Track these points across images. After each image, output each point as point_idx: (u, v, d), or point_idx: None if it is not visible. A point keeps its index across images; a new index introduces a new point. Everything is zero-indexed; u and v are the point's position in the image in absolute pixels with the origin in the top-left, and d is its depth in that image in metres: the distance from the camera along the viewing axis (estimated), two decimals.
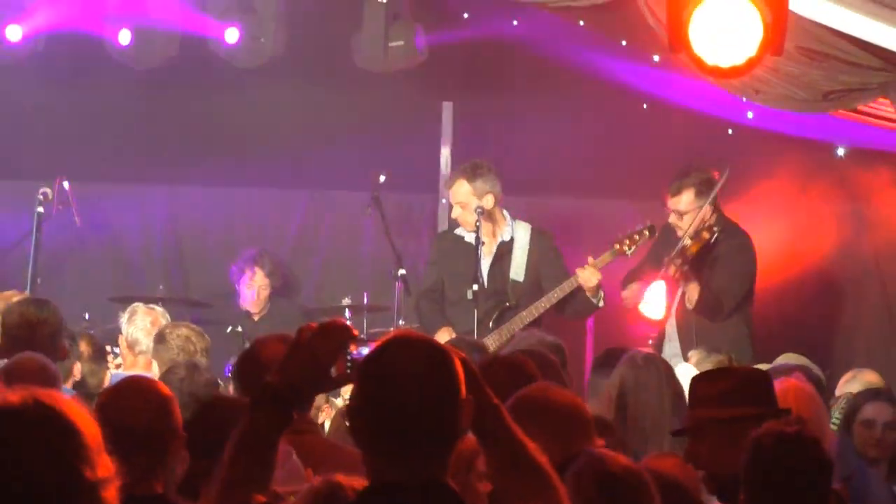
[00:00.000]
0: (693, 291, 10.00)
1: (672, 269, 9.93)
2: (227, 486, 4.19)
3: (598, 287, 10.10)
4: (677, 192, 10.11)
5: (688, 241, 9.94)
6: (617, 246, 10.07)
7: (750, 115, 10.79)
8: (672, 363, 7.74)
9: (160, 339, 8.73)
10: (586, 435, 5.45)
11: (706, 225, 9.94)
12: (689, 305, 10.02)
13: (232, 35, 11.35)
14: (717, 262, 10.11)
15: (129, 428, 4.58)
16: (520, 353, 6.75)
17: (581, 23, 10.90)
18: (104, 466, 3.70)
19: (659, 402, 6.94)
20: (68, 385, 8.16)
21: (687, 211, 10.04)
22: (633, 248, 10.08)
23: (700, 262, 10.06)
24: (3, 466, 3.66)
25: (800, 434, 4.89)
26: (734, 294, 10.14)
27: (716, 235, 9.94)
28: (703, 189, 10.06)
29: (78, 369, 8.43)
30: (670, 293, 10.07)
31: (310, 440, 4.97)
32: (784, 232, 12.08)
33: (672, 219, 10.15)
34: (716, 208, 10.08)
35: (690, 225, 10.00)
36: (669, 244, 10.13)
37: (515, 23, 11.43)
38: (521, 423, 4.23)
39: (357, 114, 12.17)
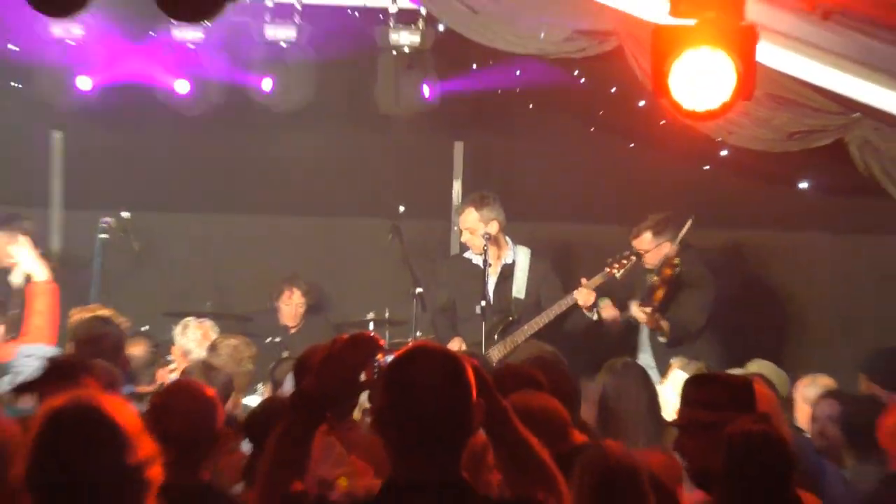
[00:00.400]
0: (665, 328, 10.16)
1: (644, 317, 10.16)
2: (270, 475, 4.24)
3: (594, 304, 10.18)
4: (637, 235, 10.38)
5: (655, 279, 10.09)
6: (607, 269, 10.17)
7: (724, 153, 10.83)
8: None
9: (213, 347, 8.78)
10: (563, 434, 5.59)
11: (668, 260, 10.01)
12: (663, 340, 10.19)
13: (267, 84, 11.43)
14: (681, 294, 10.29)
15: (178, 425, 4.60)
16: (529, 362, 6.81)
17: (576, 72, 10.95)
18: (145, 449, 3.77)
19: (636, 405, 6.98)
20: (151, 388, 8.22)
21: (648, 249, 10.22)
22: (622, 270, 10.19)
23: (669, 296, 10.20)
24: (54, 462, 3.80)
25: (766, 432, 4.93)
26: (698, 324, 10.35)
27: (678, 269, 10.02)
28: (660, 229, 10.31)
29: (164, 372, 8.46)
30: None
31: (352, 435, 5.00)
32: (753, 256, 12.13)
33: (639, 250, 10.27)
34: (680, 243, 10.12)
35: (657, 262, 10.22)
36: (637, 274, 10.31)
37: (518, 72, 11.48)
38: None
39: (379, 152, 12.24)
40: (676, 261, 10.04)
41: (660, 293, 10.13)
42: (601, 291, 10.35)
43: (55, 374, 5.86)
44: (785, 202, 11.76)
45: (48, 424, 3.86)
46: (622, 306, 10.53)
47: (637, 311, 10.19)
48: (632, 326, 10.63)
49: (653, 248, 10.23)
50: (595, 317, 10.32)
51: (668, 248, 10.13)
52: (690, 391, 5.60)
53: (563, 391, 5.93)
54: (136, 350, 8.44)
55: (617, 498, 4.72)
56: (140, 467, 3.85)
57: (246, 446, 5.85)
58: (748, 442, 4.81)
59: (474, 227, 10.34)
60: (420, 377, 4.01)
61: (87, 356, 6.78)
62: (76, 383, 5.12)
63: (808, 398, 7.99)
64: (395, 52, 11.21)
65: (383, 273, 11.72)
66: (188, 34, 11.14)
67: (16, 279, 10.85)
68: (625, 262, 10.19)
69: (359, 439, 5.28)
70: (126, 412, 3.92)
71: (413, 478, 4.00)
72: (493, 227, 10.31)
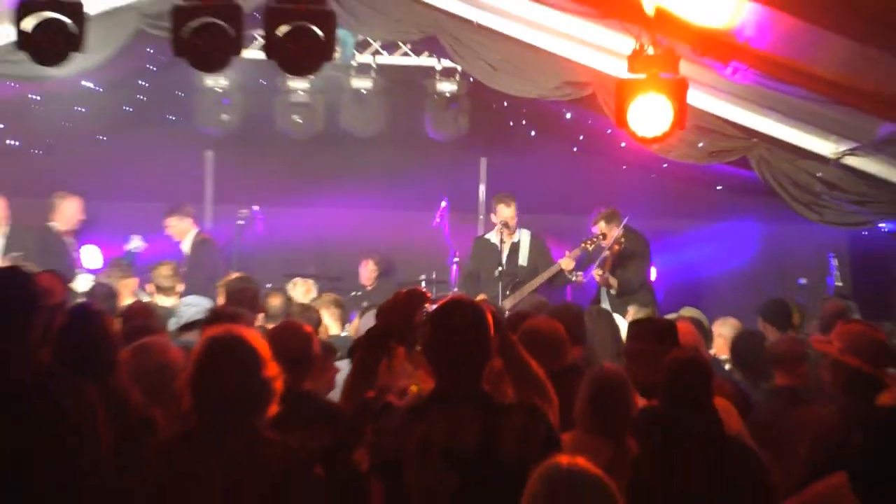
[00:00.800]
0: (613, 285, 10.11)
1: (598, 277, 10.17)
2: (352, 386, 4.26)
3: (573, 269, 10.18)
4: (596, 223, 10.28)
5: (607, 253, 10.07)
6: (583, 245, 10.14)
7: (665, 165, 10.77)
8: None
9: (319, 297, 8.90)
10: (560, 351, 5.62)
11: (617, 239, 9.98)
12: (613, 293, 10.18)
13: (356, 121, 11.52)
14: (625, 261, 10.23)
15: (286, 350, 4.60)
16: (542, 309, 6.91)
17: (564, 110, 10.92)
18: (272, 369, 3.82)
19: (605, 339, 6.96)
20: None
21: (603, 232, 10.12)
22: (593, 246, 10.17)
23: (616, 264, 10.15)
24: (211, 373, 3.88)
25: (694, 357, 4.91)
26: (637, 280, 10.28)
27: (623, 245, 9.98)
28: (611, 218, 10.22)
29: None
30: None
31: (419, 358, 5.00)
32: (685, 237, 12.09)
33: (600, 234, 10.23)
34: (623, 227, 10.08)
35: (610, 241, 10.12)
36: (600, 249, 10.23)
37: (524, 110, 11.45)
38: (525, 345, 4.32)
39: (428, 164, 12.16)
40: (622, 240, 10.02)
41: (609, 262, 10.12)
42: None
43: (213, 317, 5.93)
44: (707, 199, 11.69)
45: (208, 347, 3.91)
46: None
47: (595, 274, 10.19)
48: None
49: (606, 231, 10.18)
50: (574, 279, 10.34)
51: (616, 231, 10.11)
52: (630, 330, 5.72)
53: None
54: (276, 301, 8.45)
55: (615, 399, 4.82)
56: (269, 380, 3.90)
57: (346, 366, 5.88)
58: (682, 364, 4.81)
59: (510, 216, 10.41)
60: (455, 320, 4.05)
61: (233, 305, 6.82)
62: (227, 323, 5.15)
63: (721, 333, 7.94)
64: (437, 97, 11.23)
65: (431, 248, 11.68)
66: (298, 84, 11.17)
67: (185, 248, 10.97)
68: (595, 240, 10.19)
69: (423, 361, 5.32)
70: (261, 342, 3.98)
71: (449, 389, 4.03)
72: (514, 218, 10.42)
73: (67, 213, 10.80)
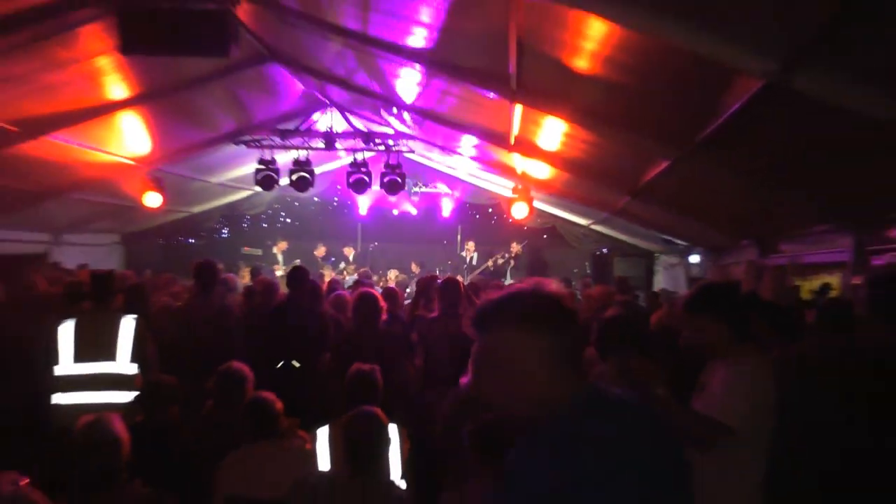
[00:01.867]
0: (513, 265, 9.92)
1: (502, 261, 9.91)
2: (410, 311, 4.21)
3: (491, 265, 10.08)
4: (512, 244, 10.01)
5: (514, 252, 9.88)
6: (496, 257, 10.07)
7: (526, 228, 10.63)
8: None
9: (396, 277, 8.74)
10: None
11: (519, 251, 9.88)
12: (513, 268, 9.99)
13: (412, 209, 11.29)
14: (519, 258, 10.03)
15: (387, 296, 4.46)
16: (481, 280, 6.72)
17: (489, 208, 10.79)
18: (383, 304, 3.69)
19: None
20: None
21: (514, 248, 9.99)
22: (503, 260, 10.07)
23: (516, 259, 9.94)
24: (361, 310, 3.75)
25: (560, 295, 4.79)
26: (525, 266, 10.04)
27: (521, 254, 9.87)
28: (519, 242, 10.02)
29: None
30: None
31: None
32: (542, 255, 11.87)
33: (511, 251, 10.05)
34: (523, 248, 9.98)
35: (516, 253, 9.97)
36: (509, 253, 10.00)
37: (475, 209, 11.27)
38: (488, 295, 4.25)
39: (439, 230, 11.84)
40: (520, 252, 9.92)
41: (515, 260, 9.91)
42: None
43: (355, 283, 5.85)
44: (539, 237, 11.52)
45: (360, 295, 3.87)
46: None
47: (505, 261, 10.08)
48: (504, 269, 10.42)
49: (515, 249, 9.99)
50: (492, 269, 10.22)
51: (518, 248, 10.01)
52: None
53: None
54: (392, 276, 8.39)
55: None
56: (382, 308, 3.86)
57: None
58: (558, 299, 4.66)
59: (471, 248, 10.25)
60: (448, 285, 4.02)
61: (364, 278, 6.75)
62: (361, 287, 5.04)
63: (580, 289, 7.76)
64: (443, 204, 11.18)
65: (440, 259, 11.50)
66: (392, 197, 11.04)
67: (350, 258, 10.86)
68: (505, 254, 10.12)
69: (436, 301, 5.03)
70: (378, 294, 3.92)
71: (445, 309, 4.02)
72: (472, 248, 10.24)
73: (319, 251, 10.33)
